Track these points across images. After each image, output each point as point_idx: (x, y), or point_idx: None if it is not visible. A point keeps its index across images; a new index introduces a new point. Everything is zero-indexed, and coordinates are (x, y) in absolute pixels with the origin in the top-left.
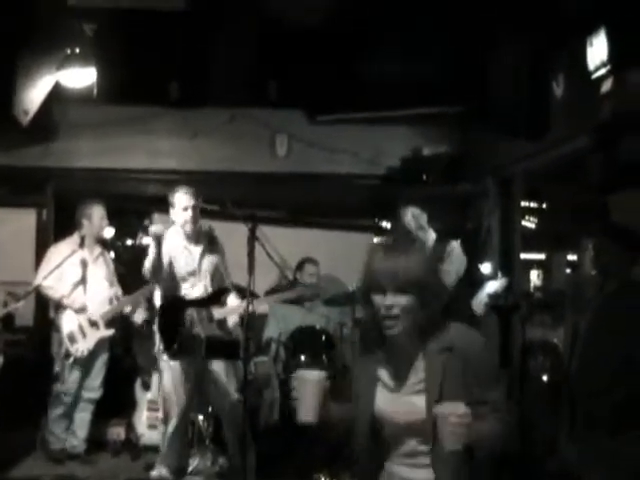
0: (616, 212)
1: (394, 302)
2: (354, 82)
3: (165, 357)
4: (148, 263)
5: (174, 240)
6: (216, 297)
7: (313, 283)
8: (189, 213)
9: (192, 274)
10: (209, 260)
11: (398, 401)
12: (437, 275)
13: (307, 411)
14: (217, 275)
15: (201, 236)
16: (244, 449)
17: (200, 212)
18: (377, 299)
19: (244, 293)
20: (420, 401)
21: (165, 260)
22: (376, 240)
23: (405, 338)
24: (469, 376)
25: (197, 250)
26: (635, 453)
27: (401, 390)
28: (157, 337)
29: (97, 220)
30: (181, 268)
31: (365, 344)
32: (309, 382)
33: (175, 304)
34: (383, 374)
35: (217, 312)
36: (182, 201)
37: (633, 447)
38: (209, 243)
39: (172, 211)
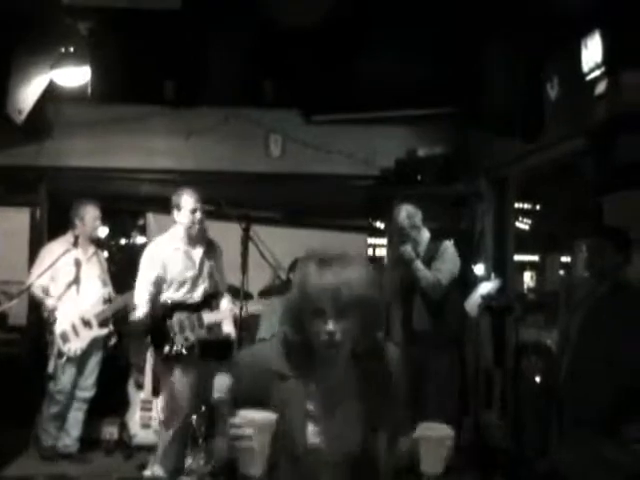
0: (610, 213)
1: (337, 328)
2: (349, 82)
3: (174, 360)
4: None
5: (169, 246)
6: (206, 302)
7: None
8: (197, 215)
9: (192, 278)
10: (209, 264)
11: (330, 432)
12: (379, 293)
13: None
14: (213, 278)
15: (204, 239)
16: None
17: None
18: (315, 324)
19: (237, 293)
20: (355, 431)
21: (155, 274)
22: (309, 252)
23: (342, 364)
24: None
25: (198, 253)
26: (622, 455)
27: (333, 420)
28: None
29: (90, 220)
30: (180, 273)
31: (292, 369)
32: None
33: (164, 309)
34: (312, 403)
35: (207, 317)
36: (189, 203)
37: (621, 449)
38: (208, 246)
39: (177, 213)
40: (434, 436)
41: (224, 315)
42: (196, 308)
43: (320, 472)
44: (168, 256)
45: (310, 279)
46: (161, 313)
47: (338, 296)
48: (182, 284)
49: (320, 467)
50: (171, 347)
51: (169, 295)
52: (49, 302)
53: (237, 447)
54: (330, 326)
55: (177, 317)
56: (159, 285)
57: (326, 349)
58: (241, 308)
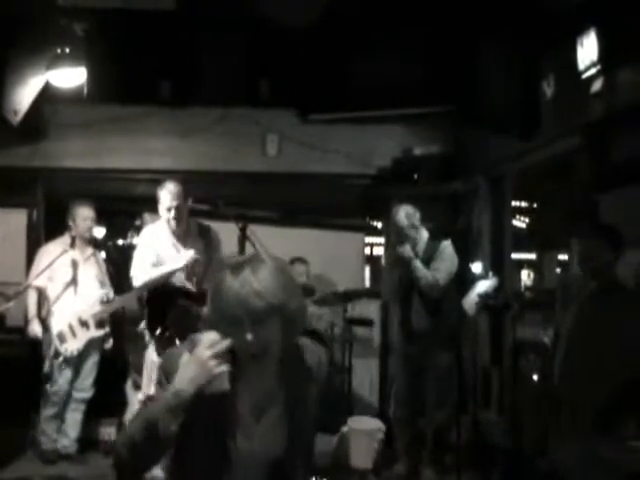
0: (606, 211)
1: (255, 337)
2: (345, 81)
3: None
4: (135, 267)
5: (162, 236)
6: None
7: (303, 282)
8: (172, 213)
9: (180, 272)
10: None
11: (257, 438)
12: (301, 295)
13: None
14: (205, 271)
15: (190, 235)
16: None
17: (190, 211)
18: (233, 334)
19: None
20: (280, 434)
21: (152, 258)
22: (224, 257)
23: (266, 372)
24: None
25: (183, 248)
26: (619, 454)
27: (259, 423)
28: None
29: (81, 221)
30: (169, 263)
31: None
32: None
33: (165, 292)
34: (239, 409)
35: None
36: (165, 200)
37: (617, 447)
38: (202, 240)
39: (159, 207)
40: (364, 429)
41: None
42: (195, 298)
43: (246, 476)
44: (159, 243)
45: (224, 288)
46: (159, 294)
47: (254, 304)
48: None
49: (246, 471)
50: (164, 331)
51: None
52: (33, 328)
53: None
54: (248, 336)
55: (178, 302)
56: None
57: (247, 357)
58: None
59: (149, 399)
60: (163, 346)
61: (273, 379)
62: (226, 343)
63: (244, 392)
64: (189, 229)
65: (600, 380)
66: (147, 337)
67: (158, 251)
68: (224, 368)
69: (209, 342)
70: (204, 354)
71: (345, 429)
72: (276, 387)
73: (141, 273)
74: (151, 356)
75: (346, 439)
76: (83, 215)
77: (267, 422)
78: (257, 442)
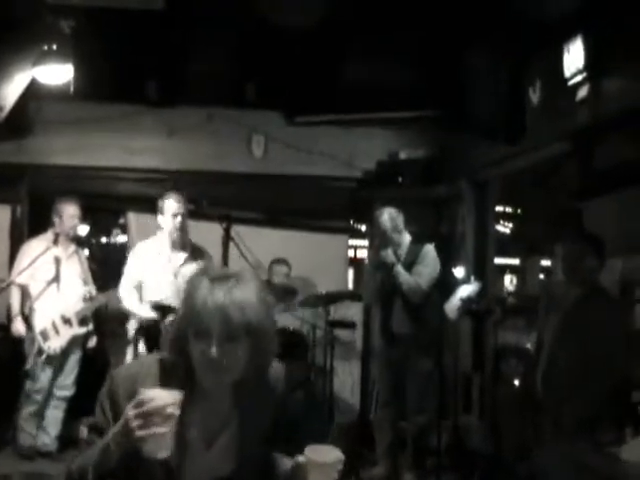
0: (590, 219)
1: (222, 353)
2: (331, 84)
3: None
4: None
5: (152, 250)
6: None
7: (283, 283)
8: (178, 220)
9: (172, 282)
10: (191, 269)
11: (207, 462)
12: (272, 315)
13: None
14: None
15: (187, 245)
16: None
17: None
18: (198, 347)
19: None
20: (231, 459)
21: (139, 276)
22: (199, 266)
23: (224, 392)
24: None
25: (179, 258)
26: (598, 459)
27: (209, 450)
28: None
29: (67, 218)
30: (160, 277)
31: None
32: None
33: (157, 309)
34: (189, 431)
35: None
36: (172, 208)
37: (597, 453)
38: (193, 252)
39: (160, 217)
40: (322, 462)
41: None
42: None
43: None
44: (150, 260)
45: (199, 296)
46: (153, 315)
47: (228, 318)
48: (163, 288)
49: None
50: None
51: (153, 298)
52: (17, 326)
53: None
54: (214, 350)
55: (170, 319)
56: (140, 287)
57: (207, 375)
58: None
59: (92, 430)
60: None
61: (231, 402)
62: (167, 398)
63: (195, 416)
64: (186, 245)
65: (583, 386)
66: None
67: (146, 269)
68: (154, 430)
69: (137, 401)
70: (127, 414)
71: (301, 459)
72: (233, 411)
73: (127, 297)
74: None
75: (302, 470)
76: (69, 212)
77: (218, 448)
78: (207, 469)
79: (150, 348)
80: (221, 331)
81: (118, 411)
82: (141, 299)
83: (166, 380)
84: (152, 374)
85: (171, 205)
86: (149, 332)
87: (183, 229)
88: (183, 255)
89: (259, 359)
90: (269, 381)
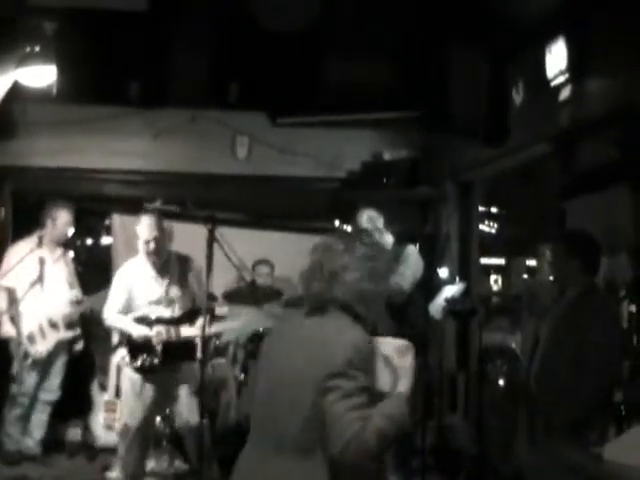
0: (573, 218)
1: None
2: (315, 85)
3: (130, 369)
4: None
5: (140, 271)
6: (187, 318)
7: (266, 284)
8: (152, 245)
9: (159, 302)
10: (176, 288)
11: None
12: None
13: None
14: (189, 298)
15: (170, 264)
16: (202, 451)
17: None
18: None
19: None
20: None
21: (125, 296)
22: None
23: None
24: None
25: (164, 280)
26: (585, 460)
27: None
28: (119, 346)
29: (62, 224)
30: (147, 298)
31: None
32: None
33: (144, 322)
34: None
35: (185, 331)
36: (144, 234)
37: (583, 453)
38: (179, 268)
39: (138, 242)
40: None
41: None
42: (175, 322)
43: None
44: (137, 279)
45: None
46: (140, 326)
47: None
48: (152, 305)
49: None
50: (146, 359)
51: (142, 313)
52: (6, 328)
53: None
54: None
55: (156, 330)
56: (128, 306)
57: None
58: (206, 309)
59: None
60: (142, 373)
61: None
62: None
63: None
64: (169, 260)
65: (577, 387)
66: (114, 340)
67: (134, 289)
68: None
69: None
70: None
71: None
72: None
73: (112, 317)
74: (120, 364)
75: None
76: (63, 219)
77: None
78: None
79: (136, 362)
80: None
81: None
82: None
83: None
84: None
85: (143, 231)
86: (137, 347)
87: (157, 253)
88: (166, 276)
89: None
90: None
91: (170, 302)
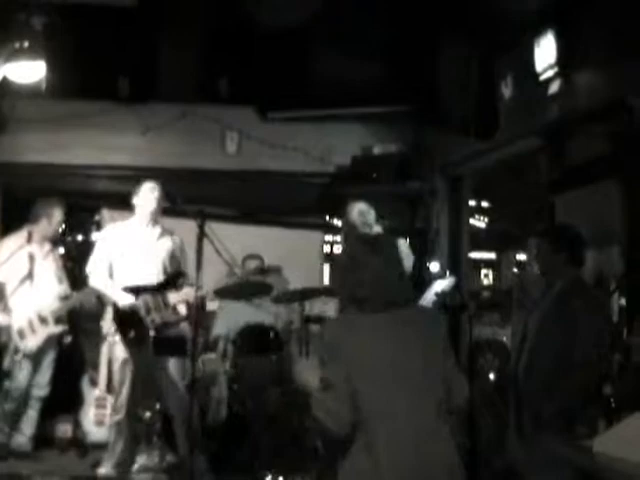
0: (563, 212)
1: None
2: (305, 80)
3: (118, 346)
4: (91, 265)
5: (125, 228)
6: (172, 281)
7: (256, 279)
8: (156, 194)
9: (146, 258)
10: (164, 244)
11: None
12: None
13: None
14: (175, 259)
15: (159, 222)
16: (193, 446)
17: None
18: None
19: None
20: None
21: (110, 259)
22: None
23: None
24: None
25: (154, 234)
26: (574, 453)
27: None
28: (108, 326)
29: (55, 221)
30: (136, 254)
31: None
32: None
33: (130, 291)
34: None
35: (172, 297)
36: (149, 185)
37: (573, 446)
38: (164, 231)
39: (136, 198)
40: None
41: (188, 295)
42: (162, 287)
43: None
44: (122, 240)
45: None
46: (125, 294)
47: None
48: (139, 266)
49: None
50: (137, 329)
51: (129, 274)
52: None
53: None
54: None
55: (143, 298)
56: (111, 270)
57: None
58: (196, 306)
59: None
60: (132, 345)
61: None
62: None
63: None
64: (159, 214)
65: (566, 380)
66: (104, 332)
67: (118, 250)
68: None
69: None
70: None
71: None
72: None
73: (96, 274)
74: (112, 353)
75: None
76: (56, 217)
77: None
78: None
79: (125, 333)
80: None
81: None
82: (113, 281)
83: None
84: None
85: (148, 184)
86: (125, 317)
87: (159, 204)
88: (157, 230)
89: None
90: None
91: (160, 259)
